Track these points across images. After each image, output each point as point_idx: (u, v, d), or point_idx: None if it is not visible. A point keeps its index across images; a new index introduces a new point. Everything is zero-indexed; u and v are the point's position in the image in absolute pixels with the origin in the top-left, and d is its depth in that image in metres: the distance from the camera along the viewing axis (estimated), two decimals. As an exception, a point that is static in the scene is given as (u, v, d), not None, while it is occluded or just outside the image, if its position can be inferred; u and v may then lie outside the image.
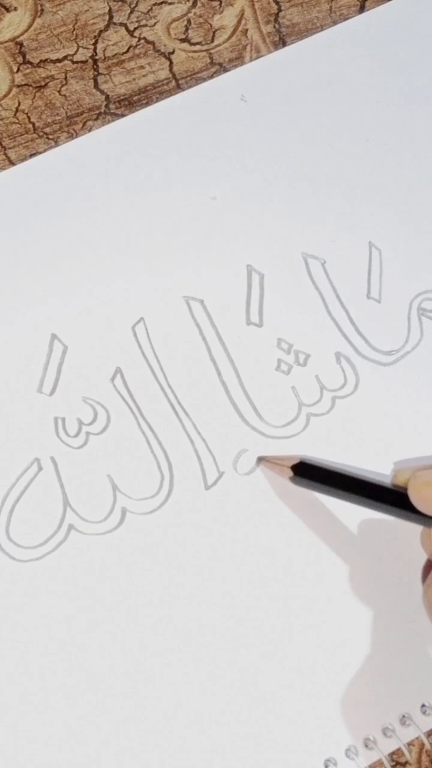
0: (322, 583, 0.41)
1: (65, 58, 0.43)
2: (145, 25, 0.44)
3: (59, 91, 0.43)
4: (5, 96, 0.43)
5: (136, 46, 0.44)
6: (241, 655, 0.40)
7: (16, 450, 0.41)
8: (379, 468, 0.41)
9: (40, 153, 0.43)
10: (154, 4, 0.44)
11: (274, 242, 0.43)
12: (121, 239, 0.42)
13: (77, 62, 0.43)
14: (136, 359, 0.42)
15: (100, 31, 0.44)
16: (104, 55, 0.44)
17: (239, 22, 0.44)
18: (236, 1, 0.45)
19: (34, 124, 0.43)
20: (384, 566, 0.41)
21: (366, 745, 0.40)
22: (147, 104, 0.43)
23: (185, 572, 0.40)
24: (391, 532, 0.41)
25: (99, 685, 0.39)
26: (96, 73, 0.44)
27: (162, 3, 0.44)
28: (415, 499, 0.35)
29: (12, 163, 0.43)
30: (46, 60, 0.43)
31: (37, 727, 0.39)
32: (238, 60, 0.44)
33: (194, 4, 0.44)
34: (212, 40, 0.44)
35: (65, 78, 0.43)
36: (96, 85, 0.43)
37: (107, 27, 0.44)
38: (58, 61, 0.43)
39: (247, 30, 0.44)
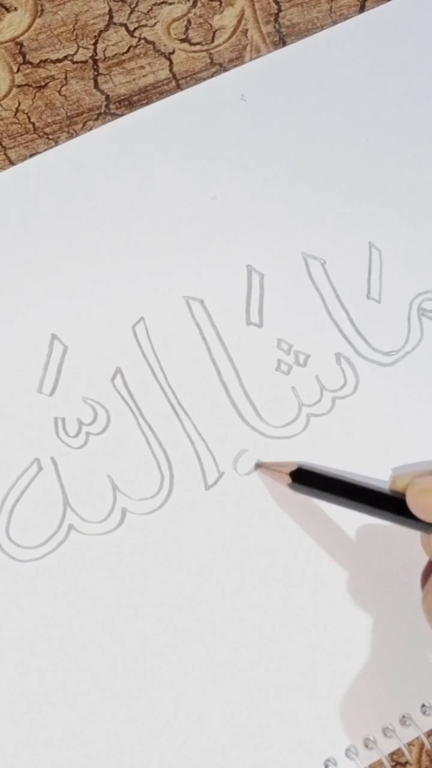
0: (322, 583, 0.41)
1: (65, 58, 0.43)
2: (145, 25, 0.44)
3: (59, 91, 0.43)
4: (5, 96, 0.43)
5: (136, 46, 0.44)
6: (241, 655, 0.40)
7: (16, 450, 0.41)
8: (378, 468, 0.41)
9: (40, 153, 0.43)
10: (154, 4, 0.44)
11: (274, 242, 0.43)
12: (121, 239, 0.42)
13: (77, 62, 0.43)
14: (136, 359, 0.42)
15: (100, 31, 0.44)
16: (104, 55, 0.44)
17: (239, 22, 0.44)
18: (236, 1, 0.45)
19: (34, 125, 0.43)
20: (383, 565, 0.41)
21: (366, 745, 0.40)
22: (147, 104, 0.43)
23: (185, 572, 0.40)
24: (389, 535, 0.41)
25: (99, 685, 0.39)
26: (96, 73, 0.44)
27: (162, 3, 0.44)
28: (413, 506, 0.35)
29: (12, 163, 0.43)
30: (46, 60, 0.43)
31: (37, 726, 0.39)
32: (238, 60, 0.44)
33: (194, 4, 0.44)
34: (212, 40, 0.44)
35: (65, 78, 0.43)
36: (96, 85, 0.43)
37: (107, 27, 0.44)
38: (58, 61, 0.43)
39: (247, 30, 0.44)
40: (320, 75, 0.44)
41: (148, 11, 0.44)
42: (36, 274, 0.42)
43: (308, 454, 0.41)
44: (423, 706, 0.41)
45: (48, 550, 0.40)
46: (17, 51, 0.43)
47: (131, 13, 0.44)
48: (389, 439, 0.42)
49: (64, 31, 0.43)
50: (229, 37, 0.44)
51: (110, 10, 0.44)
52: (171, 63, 0.44)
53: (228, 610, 0.40)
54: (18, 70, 0.43)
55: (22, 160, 0.43)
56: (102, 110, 0.43)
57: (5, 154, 0.43)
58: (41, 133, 0.43)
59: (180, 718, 0.40)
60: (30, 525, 0.40)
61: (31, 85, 0.43)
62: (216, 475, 0.41)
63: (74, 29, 0.43)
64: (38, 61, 0.43)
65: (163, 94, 0.44)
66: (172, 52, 0.44)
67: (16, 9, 0.43)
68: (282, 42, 0.45)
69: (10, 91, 0.43)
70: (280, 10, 0.45)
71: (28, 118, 0.43)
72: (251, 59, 0.44)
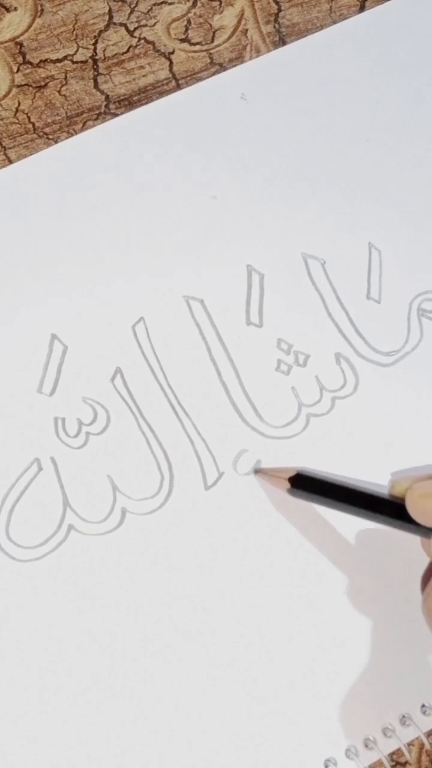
0: (322, 583, 0.41)
1: (65, 58, 0.43)
2: (145, 25, 0.44)
3: (59, 91, 0.43)
4: (5, 96, 0.43)
5: (136, 46, 0.44)
6: (241, 654, 0.40)
7: (16, 450, 0.41)
8: (378, 469, 0.41)
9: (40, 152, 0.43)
10: (154, 4, 0.44)
11: (274, 242, 0.43)
12: (121, 239, 0.42)
13: (77, 62, 0.43)
14: (136, 359, 0.42)
15: (100, 31, 0.44)
16: (104, 55, 0.44)
17: (239, 22, 0.44)
18: (236, 1, 0.45)
19: (34, 125, 0.43)
20: (383, 565, 0.41)
21: (366, 745, 0.40)
22: (147, 104, 0.43)
23: (185, 572, 0.40)
24: (389, 538, 0.41)
25: (99, 685, 0.39)
26: (96, 73, 0.44)
27: (162, 3, 0.44)
28: (413, 510, 0.35)
29: (12, 164, 0.42)
30: (46, 60, 0.43)
31: (37, 726, 0.39)
32: (238, 60, 0.44)
33: (194, 4, 0.44)
34: (212, 40, 0.44)
35: (65, 78, 0.43)
36: (96, 85, 0.43)
37: (107, 27, 0.44)
38: (58, 61, 0.43)
39: (247, 30, 0.44)
40: (320, 74, 0.44)
41: (148, 11, 0.44)
42: (36, 274, 0.42)
43: (308, 455, 0.41)
44: (423, 706, 0.41)
45: (48, 550, 0.40)
46: (17, 51, 0.43)
47: (131, 13, 0.44)
48: (389, 440, 0.42)
49: (64, 31, 0.43)
50: (229, 37, 0.44)
51: (110, 10, 0.44)
52: (171, 63, 0.44)
53: (228, 610, 0.40)
54: (18, 70, 0.43)
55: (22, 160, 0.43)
56: (102, 110, 0.43)
57: (5, 154, 0.43)
58: (41, 133, 0.43)
59: (180, 718, 0.40)
60: (30, 525, 0.40)
61: (31, 85, 0.43)
62: (216, 476, 0.41)
63: (74, 29, 0.43)
64: (38, 61, 0.43)
65: (163, 94, 0.44)
66: (172, 52, 0.44)
67: (16, 9, 0.43)
68: (282, 42, 0.44)
69: (10, 91, 0.43)
70: (280, 10, 0.45)
71: (28, 118, 0.43)
72: (251, 59, 0.44)
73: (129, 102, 0.44)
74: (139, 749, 0.39)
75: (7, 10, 0.43)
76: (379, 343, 0.43)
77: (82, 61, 0.43)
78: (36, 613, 0.39)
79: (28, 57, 0.43)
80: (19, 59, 0.43)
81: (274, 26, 0.45)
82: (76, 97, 0.43)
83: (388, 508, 0.36)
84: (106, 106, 0.43)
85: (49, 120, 0.43)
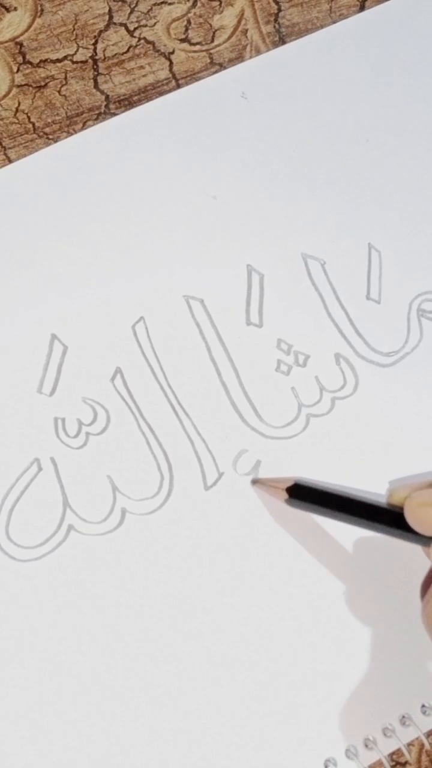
0: (322, 583, 0.41)
1: (65, 58, 0.43)
2: (145, 25, 0.44)
3: (59, 91, 0.43)
4: (5, 96, 0.43)
5: (136, 46, 0.44)
6: (241, 654, 0.40)
7: (16, 450, 0.41)
8: (378, 470, 0.41)
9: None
10: (154, 4, 0.44)
11: (274, 242, 0.43)
12: (121, 238, 0.42)
13: (77, 62, 0.43)
14: (136, 359, 0.42)
15: (100, 31, 0.44)
16: (104, 55, 0.44)
17: (239, 22, 0.44)
18: (236, 1, 0.44)
19: (34, 124, 0.43)
20: (383, 565, 0.41)
21: (366, 745, 0.40)
22: (147, 103, 0.43)
23: (185, 573, 0.40)
24: (389, 541, 0.41)
25: (99, 685, 0.39)
26: (96, 73, 0.44)
27: (162, 3, 0.44)
28: (411, 519, 0.35)
29: (11, 163, 0.42)
30: (46, 60, 0.43)
31: (37, 726, 0.39)
32: (238, 60, 0.44)
33: (194, 4, 0.44)
34: (212, 40, 0.44)
35: (65, 78, 0.43)
36: (96, 85, 0.43)
37: (107, 27, 0.44)
38: (58, 61, 0.43)
39: (247, 30, 0.44)
40: (321, 74, 0.44)
41: (148, 11, 0.44)
42: (36, 274, 0.42)
43: (308, 455, 0.41)
44: (423, 706, 0.41)
45: (47, 550, 0.40)
46: (17, 51, 0.43)
47: (131, 13, 0.44)
48: (389, 440, 0.42)
49: (64, 31, 0.43)
50: (229, 37, 0.44)
51: (110, 10, 0.44)
52: (171, 63, 0.44)
53: (228, 610, 0.40)
54: (18, 70, 0.43)
55: (22, 161, 0.43)
56: (102, 110, 0.43)
57: (5, 154, 0.43)
58: (41, 133, 0.43)
59: (180, 718, 0.40)
60: (30, 525, 0.40)
61: (31, 85, 0.43)
62: (216, 476, 0.41)
63: (74, 29, 0.43)
64: (38, 61, 0.43)
65: (162, 94, 0.44)
66: (172, 52, 0.44)
67: (16, 9, 0.43)
68: (282, 42, 0.44)
69: (10, 91, 0.43)
70: (280, 10, 0.45)
71: (28, 118, 0.43)
72: (251, 59, 0.44)
73: (129, 102, 0.44)
74: (139, 749, 0.39)
75: (7, 10, 0.43)
76: (378, 344, 0.43)
77: (82, 61, 0.43)
78: (36, 613, 0.39)
79: (28, 57, 0.43)
80: (19, 59, 0.43)
81: (274, 26, 0.45)
82: (76, 97, 0.43)
83: (387, 518, 0.36)
84: (106, 106, 0.43)
85: (49, 120, 0.43)
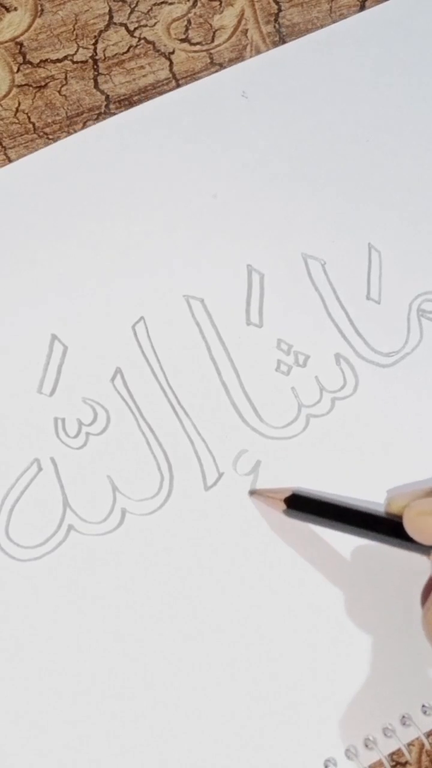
0: (323, 584, 0.41)
1: (65, 58, 0.43)
2: (145, 25, 0.44)
3: (59, 91, 0.43)
4: (5, 96, 0.43)
5: (136, 46, 0.44)
6: (240, 655, 0.40)
7: (16, 450, 0.41)
8: (377, 470, 0.41)
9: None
10: (154, 4, 0.44)
11: (274, 242, 0.43)
12: (121, 238, 0.42)
13: (77, 62, 0.43)
14: (136, 359, 0.42)
15: (100, 31, 0.44)
16: (104, 55, 0.44)
17: (239, 22, 0.44)
18: (236, 1, 0.44)
19: (34, 124, 0.43)
20: (383, 565, 0.41)
21: (366, 745, 0.40)
22: (147, 103, 0.43)
23: (185, 573, 0.40)
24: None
25: (99, 685, 0.39)
26: (96, 73, 0.44)
27: (162, 3, 0.44)
28: (410, 528, 0.35)
29: (11, 163, 0.43)
30: (46, 60, 0.43)
31: (37, 726, 0.39)
32: (238, 60, 0.44)
33: (194, 4, 0.44)
34: (212, 40, 0.44)
35: (65, 78, 0.43)
36: (96, 85, 0.43)
37: (107, 27, 0.44)
38: (58, 61, 0.43)
39: (247, 30, 0.44)
40: (321, 73, 0.44)
41: (148, 11, 0.44)
42: (36, 274, 0.42)
43: (308, 455, 0.41)
44: (423, 706, 0.41)
45: (47, 550, 0.40)
46: (17, 51, 0.43)
47: (131, 13, 0.44)
48: (389, 440, 0.42)
49: (64, 31, 0.43)
50: (229, 37, 0.44)
51: (110, 10, 0.44)
52: (171, 63, 0.44)
53: (228, 610, 0.40)
54: (18, 70, 0.43)
55: (22, 161, 0.43)
56: (102, 110, 0.43)
57: (5, 154, 0.43)
58: (41, 133, 0.43)
59: (180, 718, 0.40)
60: (30, 525, 0.40)
61: (31, 85, 0.43)
62: (216, 476, 0.41)
63: (74, 29, 0.43)
64: (38, 61, 0.43)
65: (163, 94, 0.44)
66: (172, 52, 0.44)
67: (16, 9, 0.43)
68: (282, 42, 0.44)
69: (10, 91, 0.43)
70: (280, 10, 0.45)
71: (28, 118, 0.43)
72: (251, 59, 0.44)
73: (129, 102, 0.44)
74: (139, 749, 0.39)
75: (7, 10, 0.43)
76: (378, 344, 0.43)
77: (82, 61, 0.43)
78: (36, 613, 0.39)
79: (28, 57, 0.43)
80: (19, 59, 0.43)
81: (274, 26, 0.45)
82: (76, 97, 0.43)
83: (386, 527, 0.36)
84: (106, 106, 0.43)
85: (49, 120, 0.43)
